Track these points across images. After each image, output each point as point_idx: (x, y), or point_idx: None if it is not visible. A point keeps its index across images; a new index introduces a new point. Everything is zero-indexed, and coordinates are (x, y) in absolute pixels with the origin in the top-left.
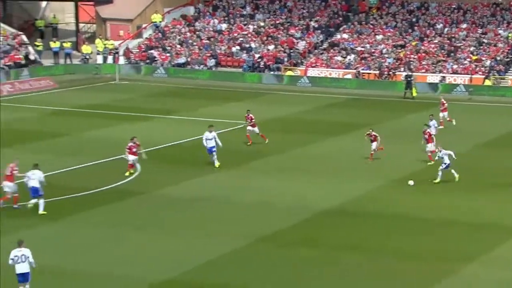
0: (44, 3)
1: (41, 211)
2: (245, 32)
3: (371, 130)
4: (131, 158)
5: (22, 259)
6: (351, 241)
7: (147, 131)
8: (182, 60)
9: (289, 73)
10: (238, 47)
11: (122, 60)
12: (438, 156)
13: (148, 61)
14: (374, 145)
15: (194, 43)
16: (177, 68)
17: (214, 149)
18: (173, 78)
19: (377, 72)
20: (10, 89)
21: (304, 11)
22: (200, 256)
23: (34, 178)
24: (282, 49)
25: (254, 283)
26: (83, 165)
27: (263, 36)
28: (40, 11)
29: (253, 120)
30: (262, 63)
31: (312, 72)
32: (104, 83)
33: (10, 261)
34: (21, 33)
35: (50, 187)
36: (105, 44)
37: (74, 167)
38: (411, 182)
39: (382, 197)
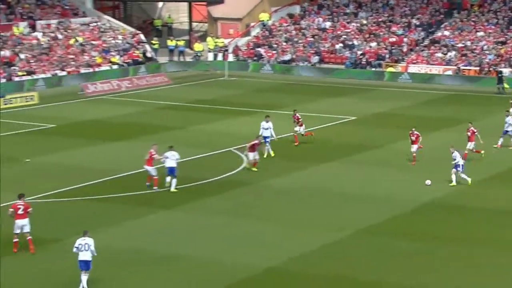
0: (160, 4)
1: (172, 189)
2: (348, 30)
3: (413, 129)
4: (251, 155)
5: (85, 247)
6: (450, 234)
7: (252, 125)
8: (287, 57)
9: (390, 69)
10: (341, 44)
11: (231, 57)
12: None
13: (255, 58)
14: (414, 147)
15: (299, 41)
16: (283, 65)
17: (268, 139)
18: (279, 74)
19: (478, 68)
20: (128, 85)
21: (406, 9)
22: (302, 245)
23: (172, 158)
24: (384, 46)
25: (353, 274)
26: (195, 157)
27: (366, 34)
28: (157, 11)
29: (300, 120)
30: (364, 60)
31: (413, 69)
32: (214, 79)
33: (75, 249)
34: (139, 32)
35: (162, 177)
36: (215, 42)
37: (187, 159)
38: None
39: (481, 192)
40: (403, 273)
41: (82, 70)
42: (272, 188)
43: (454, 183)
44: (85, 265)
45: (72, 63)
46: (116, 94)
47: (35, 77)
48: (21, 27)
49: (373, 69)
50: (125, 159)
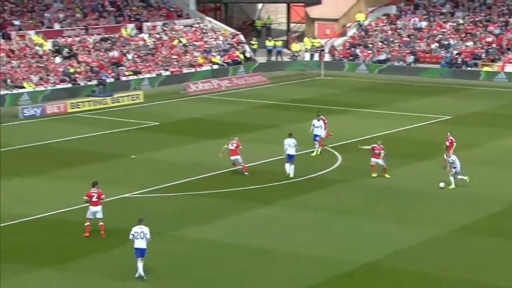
0: (260, 5)
1: (292, 175)
2: (445, 30)
3: (448, 134)
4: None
5: (141, 235)
6: None
7: (346, 124)
8: (382, 57)
9: (486, 69)
10: (437, 44)
11: (327, 57)
12: (449, 162)
13: (351, 58)
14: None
15: (395, 41)
16: (378, 65)
17: (317, 137)
18: (374, 74)
19: None
20: (228, 84)
21: (504, 8)
22: (399, 242)
23: (292, 146)
24: (481, 45)
25: (447, 272)
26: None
27: (462, 33)
28: (256, 12)
29: (326, 122)
30: (459, 59)
31: (510, 68)
32: (310, 78)
33: (131, 236)
34: (239, 33)
35: (266, 173)
36: (312, 43)
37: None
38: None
39: None
40: (498, 273)
41: (185, 70)
42: (367, 185)
43: (452, 185)
44: (140, 252)
45: (175, 63)
46: (216, 93)
47: (141, 76)
48: (129, 29)
49: (469, 68)
50: (225, 155)
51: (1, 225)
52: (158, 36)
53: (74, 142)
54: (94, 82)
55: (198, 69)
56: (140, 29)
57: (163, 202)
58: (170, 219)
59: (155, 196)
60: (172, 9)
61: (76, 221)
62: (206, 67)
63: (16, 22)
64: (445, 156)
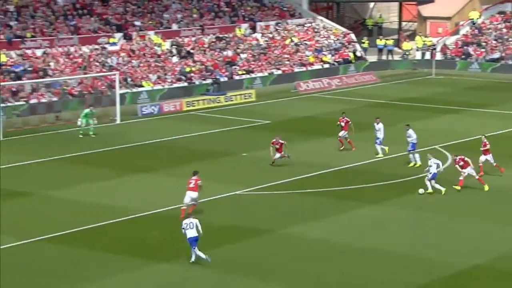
0: (372, 4)
1: (419, 163)
2: None
3: (483, 137)
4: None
5: (190, 226)
6: None
7: (457, 124)
8: (496, 55)
9: None
10: None
11: (438, 56)
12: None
13: (463, 56)
14: (488, 156)
15: (510, 39)
16: (491, 63)
17: (379, 140)
18: (486, 73)
19: None
20: (338, 83)
21: None
22: (508, 244)
23: (413, 136)
24: None
25: None
26: (402, 154)
27: None
28: (368, 11)
29: (349, 123)
30: None
31: None
32: (421, 77)
33: (182, 230)
34: (350, 32)
35: (374, 173)
36: (424, 41)
37: (395, 155)
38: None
39: None
40: None
41: (296, 69)
42: (477, 185)
43: (430, 190)
44: (194, 241)
45: (287, 62)
46: (326, 92)
47: (253, 75)
48: (243, 29)
49: None
50: (335, 153)
51: (115, 220)
52: (270, 35)
53: (188, 140)
54: (209, 81)
55: (309, 68)
56: (253, 29)
57: (271, 200)
58: (277, 217)
59: (264, 194)
60: (285, 9)
61: None
62: (317, 66)
63: (137, 23)
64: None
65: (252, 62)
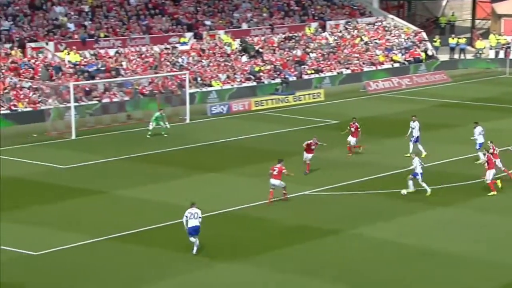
0: (444, 2)
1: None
2: None
3: (489, 142)
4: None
5: (194, 216)
6: None
7: None
8: None
9: None
10: None
11: None
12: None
13: None
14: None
15: None
16: None
17: (413, 139)
18: None
19: None
20: (408, 83)
21: None
22: None
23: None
24: None
25: None
26: (471, 155)
27: None
28: (440, 9)
29: (359, 130)
30: None
31: None
32: (494, 77)
33: (184, 218)
34: (421, 30)
35: (444, 174)
36: (498, 40)
37: (464, 156)
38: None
39: None
40: None
41: (365, 68)
42: None
43: (410, 189)
44: (195, 230)
45: (356, 61)
46: (395, 91)
47: (322, 75)
48: (313, 28)
49: None
50: (404, 154)
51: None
52: (340, 34)
53: (257, 139)
54: (278, 80)
55: (379, 67)
56: (323, 28)
57: (340, 200)
58: (347, 217)
59: (333, 194)
60: (355, 7)
61: (257, 217)
62: (387, 65)
63: (208, 22)
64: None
65: (321, 62)
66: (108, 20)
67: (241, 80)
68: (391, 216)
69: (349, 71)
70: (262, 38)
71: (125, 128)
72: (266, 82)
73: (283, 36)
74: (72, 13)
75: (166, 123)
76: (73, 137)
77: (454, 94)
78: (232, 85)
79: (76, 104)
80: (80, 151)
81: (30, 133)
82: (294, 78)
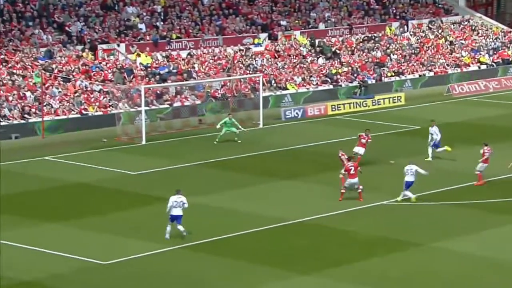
0: None
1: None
2: None
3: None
4: None
5: (179, 204)
6: None
7: None
8: None
9: None
10: None
11: None
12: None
13: None
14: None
15: None
16: None
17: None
18: None
19: None
20: (496, 86)
21: None
22: None
23: None
24: None
25: None
26: None
27: None
28: None
29: (369, 141)
30: None
31: None
32: None
33: (169, 205)
34: (511, 30)
35: None
36: None
37: None
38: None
39: None
40: None
41: (450, 71)
42: None
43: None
44: (177, 218)
45: (440, 63)
46: (483, 95)
47: (403, 77)
48: (394, 27)
49: None
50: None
51: (258, 229)
52: (423, 34)
53: (333, 145)
54: (356, 83)
55: (465, 70)
56: (405, 27)
57: (421, 211)
58: (427, 229)
59: (413, 204)
60: (440, 5)
61: (334, 227)
62: (473, 67)
63: (283, 23)
64: None
65: (403, 63)
66: (180, 21)
67: (317, 83)
68: (476, 228)
69: (432, 74)
70: (340, 38)
71: (197, 133)
72: (343, 85)
73: (362, 36)
74: (144, 13)
75: (240, 127)
76: (143, 142)
77: None
78: (307, 89)
79: (147, 108)
80: (151, 157)
81: (100, 138)
82: (373, 81)
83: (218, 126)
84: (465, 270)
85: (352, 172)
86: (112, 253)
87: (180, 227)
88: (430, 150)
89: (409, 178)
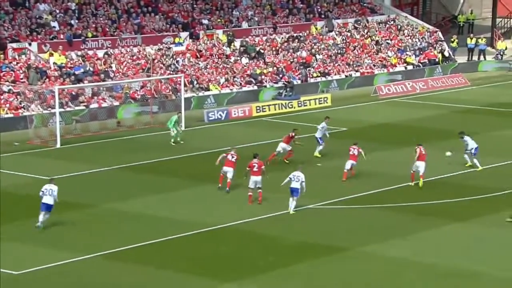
0: None
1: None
2: None
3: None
4: None
5: (49, 192)
6: None
7: None
8: None
9: None
10: None
11: None
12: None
13: None
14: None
15: None
16: None
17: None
18: None
19: None
20: (422, 87)
21: None
22: None
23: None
24: None
25: None
26: (492, 165)
27: None
28: (458, 7)
29: (360, 152)
30: None
31: None
32: None
33: (40, 193)
34: (437, 30)
35: (459, 187)
36: None
37: (484, 167)
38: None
39: None
40: None
41: (376, 71)
42: None
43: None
44: (46, 207)
45: (366, 63)
46: (409, 96)
47: (329, 78)
48: (319, 27)
49: None
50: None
51: (180, 235)
52: (349, 34)
53: (258, 148)
54: (281, 84)
55: (391, 70)
56: (330, 27)
57: (347, 215)
58: (355, 233)
59: (339, 208)
60: (365, 4)
61: (255, 232)
62: (400, 68)
63: (205, 21)
64: None
65: (328, 64)
66: (96, 19)
67: (241, 84)
68: (404, 232)
69: (358, 74)
70: (264, 38)
71: (115, 136)
72: (268, 86)
73: (287, 36)
74: (57, 11)
75: (181, 126)
76: (58, 145)
77: (473, 99)
78: (231, 89)
79: (62, 110)
80: (66, 161)
81: (12, 141)
82: (299, 82)
83: (171, 130)
84: (393, 274)
85: (255, 169)
86: (23, 262)
87: (41, 217)
88: (467, 158)
89: (294, 184)
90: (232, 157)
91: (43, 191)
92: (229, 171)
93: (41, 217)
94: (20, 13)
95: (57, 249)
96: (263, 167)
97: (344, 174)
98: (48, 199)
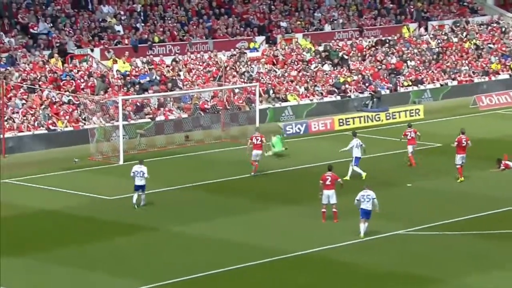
0: None
1: None
2: None
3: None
4: None
5: (140, 174)
6: None
7: None
8: None
9: None
10: None
11: None
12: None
13: None
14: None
15: None
16: None
17: None
18: None
19: None
20: None
21: None
22: None
23: None
24: None
25: None
26: None
27: None
28: None
29: (417, 134)
30: None
31: None
32: None
33: (132, 174)
34: None
35: None
36: None
37: None
38: None
39: None
40: None
41: (476, 79)
42: None
43: None
44: (141, 188)
45: (465, 70)
46: None
47: (422, 87)
48: (411, 29)
49: None
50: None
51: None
52: (445, 37)
53: (343, 165)
54: (367, 94)
55: (493, 78)
56: (424, 30)
57: (442, 242)
58: (450, 263)
59: (433, 234)
60: (465, 4)
61: (338, 261)
62: (504, 76)
63: (283, 24)
64: None
65: (421, 71)
66: (164, 22)
67: (322, 94)
68: (507, 263)
69: (455, 83)
70: (349, 42)
71: (183, 151)
72: (353, 96)
73: (375, 39)
74: (122, 13)
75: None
76: (121, 162)
77: None
78: (311, 100)
79: (125, 122)
80: (129, 179)
81: (71, 157)
82: (387, 92)
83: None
84: None
85: (328, 182)
86: None
87: (136, 196)
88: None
89: (365, 205)
90: (257, 139)
91: (134, 173)
92: (258, 154)
93: (135, 197)
94: (83, 16)
95: (117, 277)
96: (339, 180)
97: (411, 158)
98: (139, 181)
